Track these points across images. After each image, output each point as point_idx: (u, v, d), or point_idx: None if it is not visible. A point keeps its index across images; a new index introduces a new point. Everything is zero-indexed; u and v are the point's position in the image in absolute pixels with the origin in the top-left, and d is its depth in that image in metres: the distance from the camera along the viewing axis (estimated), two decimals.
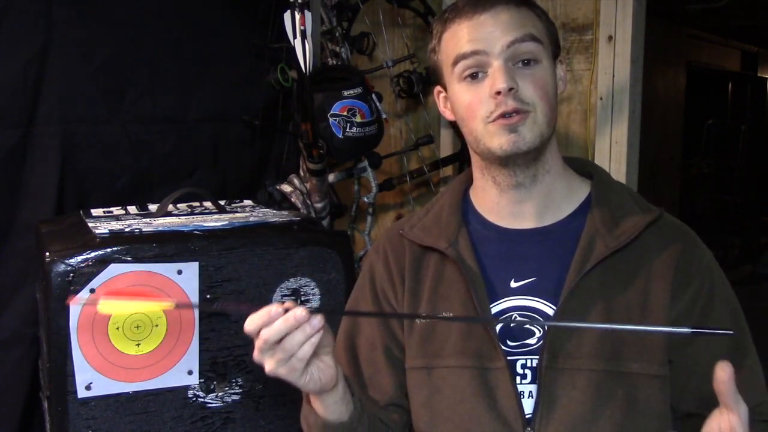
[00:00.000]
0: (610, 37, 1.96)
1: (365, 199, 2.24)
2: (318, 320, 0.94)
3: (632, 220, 1.08)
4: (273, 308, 0.94)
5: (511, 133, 1.04)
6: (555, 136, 1.13)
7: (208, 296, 1.43)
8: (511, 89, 1.02)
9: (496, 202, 1.14)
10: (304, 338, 0.94)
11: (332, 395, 1.03)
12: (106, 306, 1.01)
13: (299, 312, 0.93)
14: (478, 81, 1.06)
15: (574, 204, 1.13)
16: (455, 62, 1.07)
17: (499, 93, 1.03)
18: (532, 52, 1.05)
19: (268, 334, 0.93)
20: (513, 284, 1.10)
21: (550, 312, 1.06)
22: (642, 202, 1.14)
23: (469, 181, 1.20)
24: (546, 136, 1.07)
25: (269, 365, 0.95)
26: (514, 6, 1.06)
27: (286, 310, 0.93)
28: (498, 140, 1.05)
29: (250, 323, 0.94)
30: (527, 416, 1.04)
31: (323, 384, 1.00)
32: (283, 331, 0.93)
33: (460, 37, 1.07)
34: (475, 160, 1.15)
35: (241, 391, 1.48)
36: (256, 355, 0.96)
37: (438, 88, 1.16)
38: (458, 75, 1.07)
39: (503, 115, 1.04)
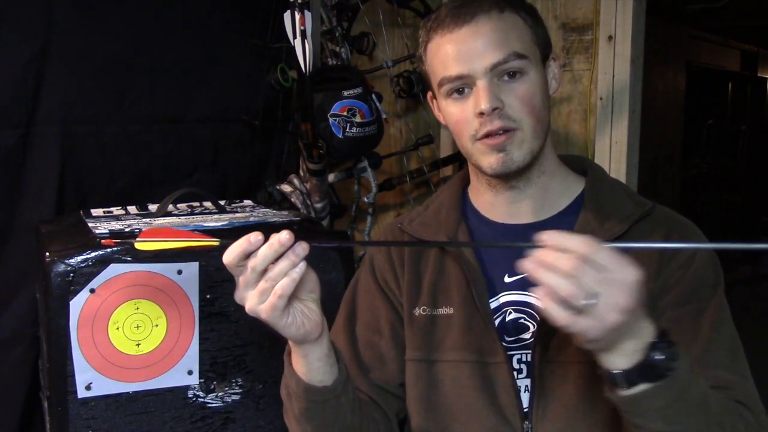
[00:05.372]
0: (610, 37, 1.96)
1: (365, 199, 2.24)
2: (302, 248, 0.91)
3: (624, 214, 1.09)
4: (252, 235, 0.90)
5: (499, 153, 1.04)
6: (550, 137, 1.13)
7: (208, 296, 1.43)
8: (495, 109, 1.02)
9: (491, 202, 1.16)
10: (289, 266, 0.90)
11: (316, 348, 1.00)
12: (144, 245, 0.95)
13: (283, 236, 0.90)
14: (464, 96, 1.06)
15: (569, 200, 1.14)
16: (440, 84, 1.07)
17: (482, 113, 1.03)
18: (517, 67, 1.04)
19: (254, 261, 0.90)
20: (507, 279, 1.11)
21: None
22: (636, 197, 1.15)
23: (467, 179, 1.22)
24: (536, 150, 1.07)
25: (251, 301, 0.92)
26: (496, 13, 1.04)
27: (266, 239, 0.90)
28: (487, 160, 1.06)
29: (230, 253, 0.91)
30: (524, 410, 1.06)
31: (307, 330, 0.97)
32: (269, 257, 0.90)
33: (443, 55, 1.06)
34: (471, 163, 1.15)
35: (241, 391, 1.49)
36: (238, 291, 0.93)
37: (430, 94, 1.16)
38: (444, 93, 1.08)
39: (488, 135, 1.04)
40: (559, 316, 0.80)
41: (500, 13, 1.04)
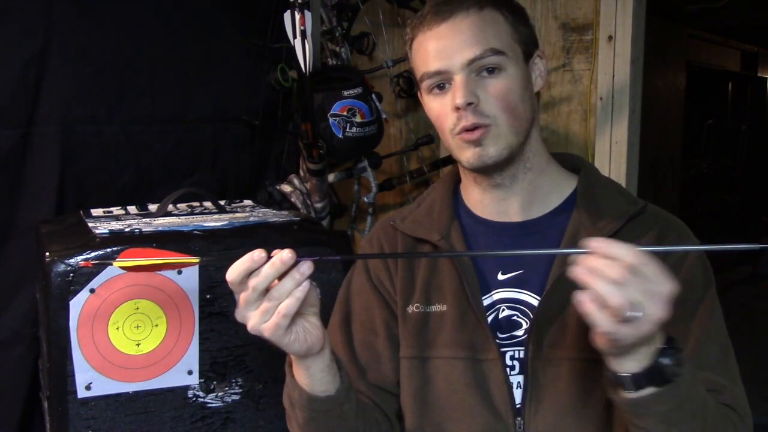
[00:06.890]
0: (610, 37, 1.96)
1: (365, 199, 2.24)
2: (307, 266, 0.90)
3: (616, 213, 1.09)
4: (256, 253, 0.89)
5: (475, 147, 1.05)
6: (537, 134, 1.13)
7: (208, 296, 1.43)
8: (469, 104, 1.03)
9: (480, 200, 1.16)
10: (293, 285, 0.90)
11: (318, 361, 1.00)
12: (123, 263, 0.94)
13: (285, 254, 0.89)
14: (444, 92, 1.07)
15: (561, 198, 1.14)
16: (421, 79, 1.09)
17: (458, 108, 1.04)
18: (494, 63, 1.05)
19: (255, 281, 0.89)
20: (500, 276, 1.12)
21: (536, 303, 1.08)
22: (629, 196, 1.15)
23: (459, 177, 1.22)
24: (515, 145, 1.07)
25: (253, 320, 0.91)
26: (475, 11, 1.05)
27: (270, 257, 0.89)
28: (464, 154, 1.07)
29: (234, 271, 0.90)
30: (517, 406, 1.06)
31: (309, 345, 0.96)
32: (271, 276, 0.89)
33: (424, 52, 1.08)
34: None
35: (241, 391, 1.49)
36: (239, 311, 0.92)
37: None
38: (426, 89, 1.09)
39: (465, 129, 1.05)
40: (603, 322, 0.81)
41: (479, 11, 1.06)
